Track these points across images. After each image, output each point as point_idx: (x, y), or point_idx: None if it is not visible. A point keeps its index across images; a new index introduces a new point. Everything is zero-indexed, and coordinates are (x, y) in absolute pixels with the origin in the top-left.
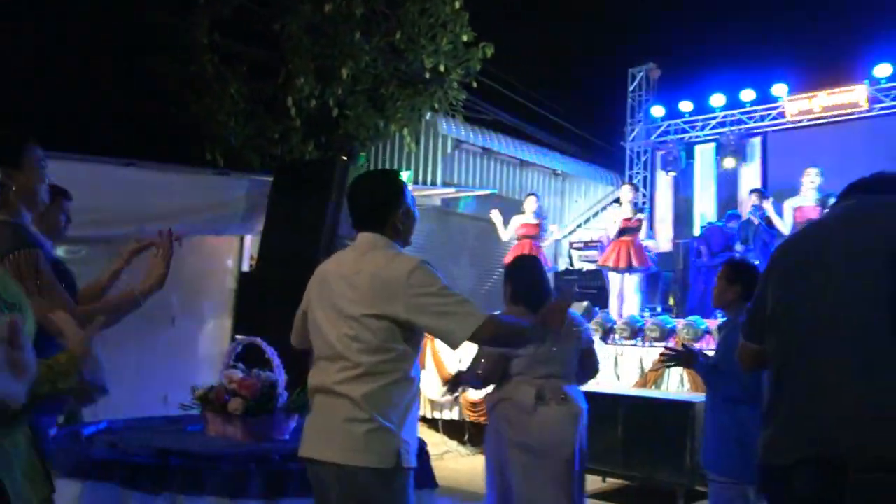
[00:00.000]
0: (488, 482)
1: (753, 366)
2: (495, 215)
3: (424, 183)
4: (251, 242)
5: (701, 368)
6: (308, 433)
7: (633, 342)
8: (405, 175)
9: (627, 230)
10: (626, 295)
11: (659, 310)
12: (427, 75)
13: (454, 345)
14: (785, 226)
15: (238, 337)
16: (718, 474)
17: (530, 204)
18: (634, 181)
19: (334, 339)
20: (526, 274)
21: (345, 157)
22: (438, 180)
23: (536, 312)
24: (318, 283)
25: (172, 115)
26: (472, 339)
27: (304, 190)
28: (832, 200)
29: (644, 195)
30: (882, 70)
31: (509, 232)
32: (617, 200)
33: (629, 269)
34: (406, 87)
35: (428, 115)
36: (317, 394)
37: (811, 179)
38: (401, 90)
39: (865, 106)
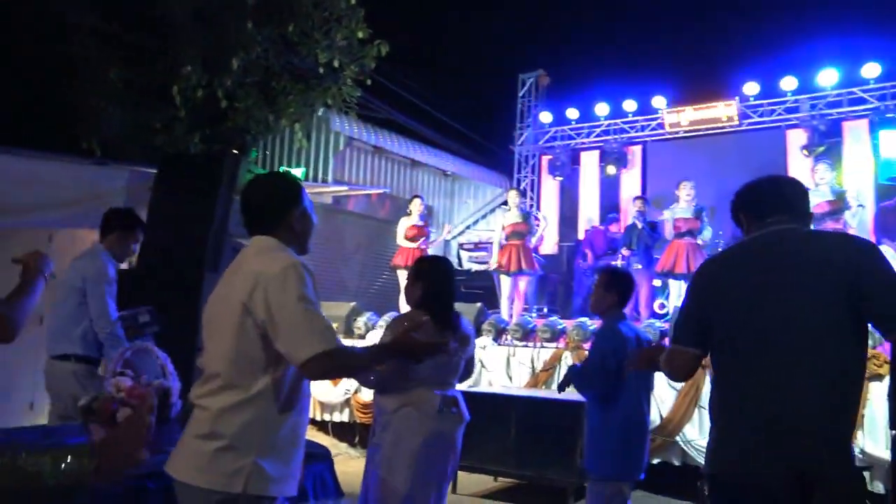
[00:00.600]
0: (373, 482)
1: (685, 372)
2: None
3: (315, 180)
4: None
5: (569, 372)
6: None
7: (524, 343)
8: (298, 172)
9: (516, 234)
10: (515, 297)
11: (546, 311)
12: (321, 70)
13: (291, 362)
14: (667, 233)
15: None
16: (594, 474)
17: (416, 206)
18: (522, 185)
19: (206, 349)
20: (441, 277)
21: (235, 151)
22: (330, 178)
23: (438, 317)
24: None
25: (44, 99)
26: (304, 366)
27: (190, 184)
28: (704, 214)
29: (532, 199)
30: (751, 88)
31: (400, 234)
32: (505, 203)
33: (519, 272)
34: (299, 82)
35: (321, 112)
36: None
37: (686, 192)
38: (293, 84)
39: (736, 121)
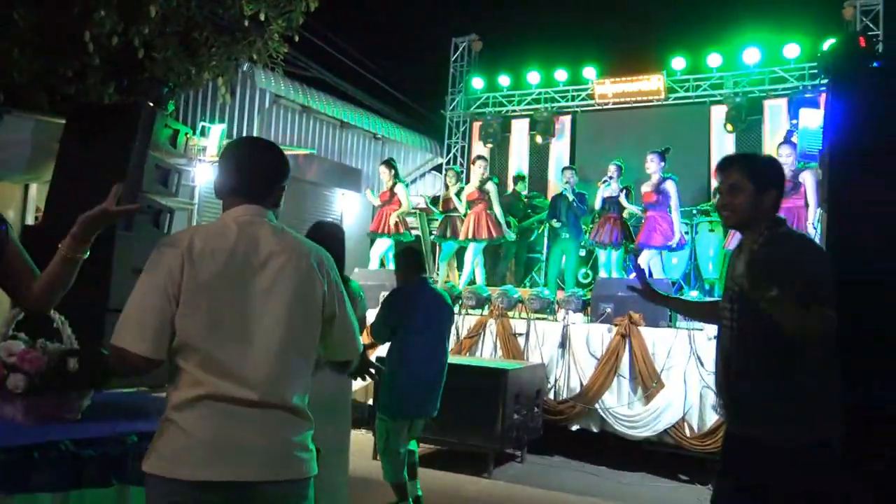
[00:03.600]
0: None
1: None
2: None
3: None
4: (37, 192)
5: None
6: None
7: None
8: (219, 129)
9: (479, 201)
10: (467, 264)
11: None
12: (246, 23)
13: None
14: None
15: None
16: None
17: (384, 172)
18: (453, 150)
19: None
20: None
21: (151, 104)
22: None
23: None
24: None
25: None
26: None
27: (101, 136)
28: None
29: (462, 165)
30: (678, 63)
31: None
32: (438, 168)
33: (475, 238)
34: (222, 34)
35: (245, 66)
36: None
37: (610, 174)
38: (216, 36)
39: (662, 95)
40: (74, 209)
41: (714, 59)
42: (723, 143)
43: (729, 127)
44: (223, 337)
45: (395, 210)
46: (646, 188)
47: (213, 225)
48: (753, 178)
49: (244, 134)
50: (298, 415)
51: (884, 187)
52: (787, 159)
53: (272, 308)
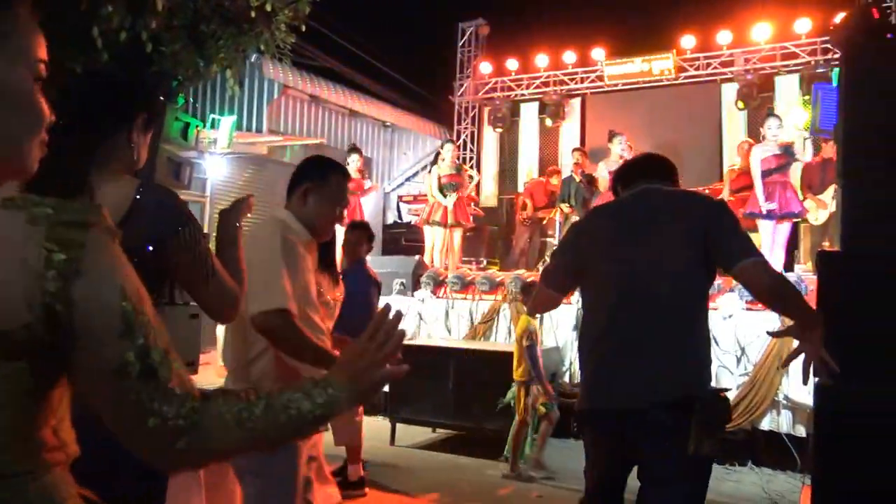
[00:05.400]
0: None
1: (546, 308)
2: None
3: (249, 129)
4: None
5: None
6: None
7: (463, 296)
8: (229, 121)
9: (451, 185)
10: (450, 249)
11: (484, 263)
12: (253, 14)
13: None
14: (602, 185)
15: None
16: None
17: (354, 160)
18: (463, 136)
19: None
20: None
21: (161, 98)
22: (264, 127)
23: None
24: None
25: None
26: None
27: None
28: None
29: (472, 151)
30: (687, 41)
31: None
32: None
33: (456, 223)
34: (229, 26)
35: (253, 58)
36: None
37: (621, 147)
38: (224, 28)
39: (673, 74)
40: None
41: (724, 37)
42: (734, 122)
43: (740, 104)
44: None
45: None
46: None
47: None
48: None
49: (254, 125)
50: None
51: (893, 170)
52: (775, 131)
53: None
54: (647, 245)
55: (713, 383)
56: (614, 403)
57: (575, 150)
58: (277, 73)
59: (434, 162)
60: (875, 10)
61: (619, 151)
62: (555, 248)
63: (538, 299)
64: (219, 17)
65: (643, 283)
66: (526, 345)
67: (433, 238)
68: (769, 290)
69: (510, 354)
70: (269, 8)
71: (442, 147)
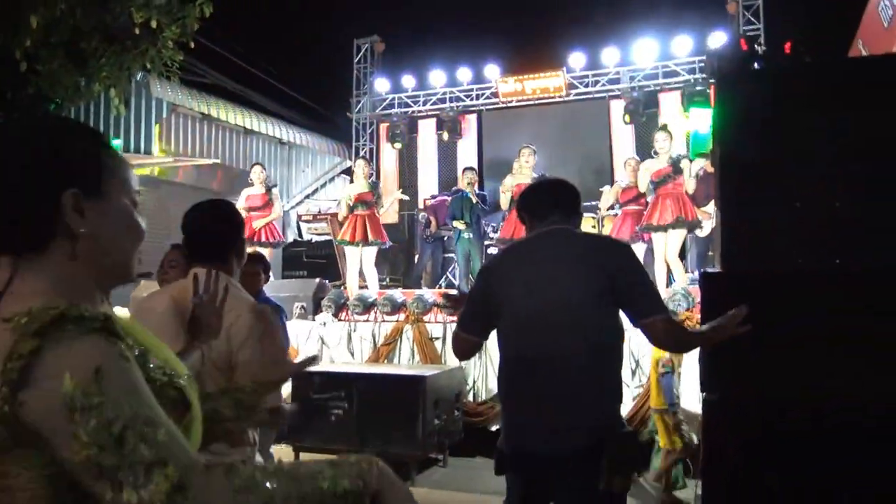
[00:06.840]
0: None
1: (467, 354)
2: None
3: (137, 151)
4: None
5: None
6: None
7: (365, 318)
8: (114, 144)
9: (363, 203)
10: (365, 269)
11: (388, 281)
12: (137, 31)
13: None
14: (504, 201)
15: None
16: None
17: (257, 174)
18: (362, 153)
19: None
20: None
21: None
22: (154, 149)
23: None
24: None
25: None
26: None
27: None
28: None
29: (371, 167)
30: (577, 59)
31: (240, 205)
32: (347, 171)
33: (367, 242)
34: (112, 43)
35: (139, 76)
36: None
37: (525, 159)
38: (106, 46)
39: (564, 91)
40: None
41: (611, 55)
42: (623, 137)
43: (627, 118)
44: None
45: (265, 216)
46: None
47: None
48: None
49: (142, 147)
50: None
51: (764, 194)
52: (662, 144)
53: None
54: (557, 287)
55: None
56: (528, 448)
57: (465, 169)
58: (166, 91)
59: (352, 180)
60: (743, 41)
61: (525, 164)
62: (466, 293)
63: (458, 346)
64: (100, 33)
65: (554, 327)
66: (661, 373)
67: (348, 257)
68: (676, 344)
69: (415, 378)
70: (154, 24)
71: (354, 163)
